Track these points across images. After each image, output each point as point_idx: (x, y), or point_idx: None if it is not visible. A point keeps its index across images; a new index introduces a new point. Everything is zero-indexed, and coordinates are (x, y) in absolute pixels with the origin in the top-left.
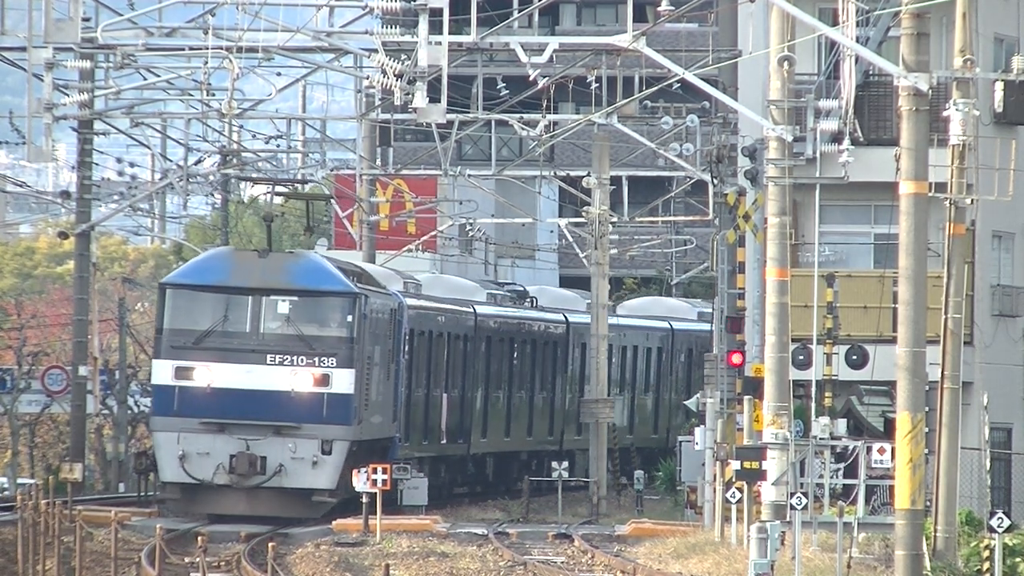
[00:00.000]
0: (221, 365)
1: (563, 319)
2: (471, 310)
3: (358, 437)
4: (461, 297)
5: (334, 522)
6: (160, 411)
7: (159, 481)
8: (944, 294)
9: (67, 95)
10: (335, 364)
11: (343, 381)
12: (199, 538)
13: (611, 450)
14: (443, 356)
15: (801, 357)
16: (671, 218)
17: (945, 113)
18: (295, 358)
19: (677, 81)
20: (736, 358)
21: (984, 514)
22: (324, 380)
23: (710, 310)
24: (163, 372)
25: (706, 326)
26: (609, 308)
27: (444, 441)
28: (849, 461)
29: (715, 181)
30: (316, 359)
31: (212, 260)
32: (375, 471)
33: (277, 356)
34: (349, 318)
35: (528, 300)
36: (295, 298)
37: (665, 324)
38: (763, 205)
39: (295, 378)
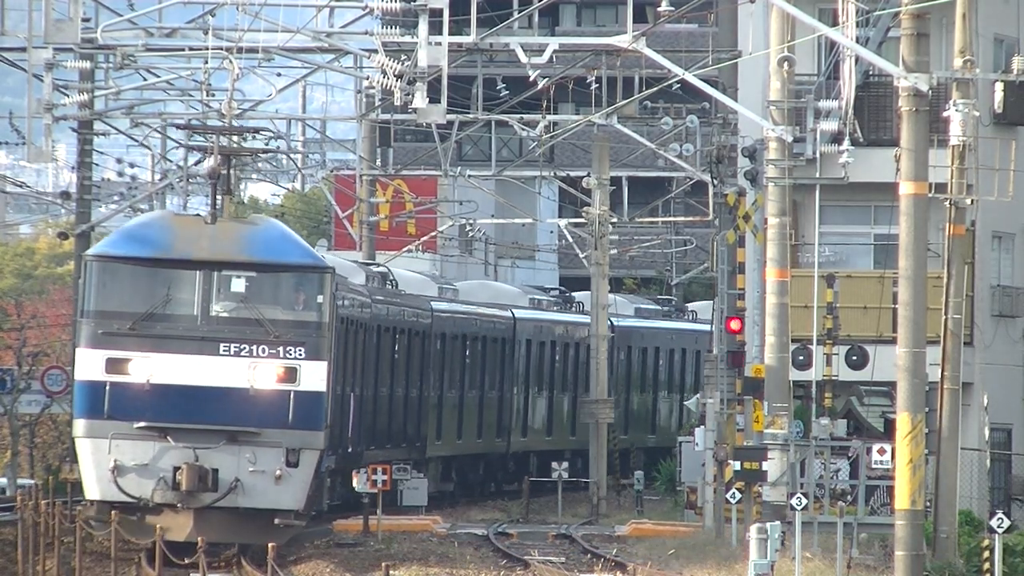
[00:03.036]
0: (163, 356)
1: (428, 308)
2: (367, 297)
3: (328, 446)
4: (354, 282)
5: (334, 522)
6: (86, 413)
7: (84, 499)
8: (944, 295)
9: (67, 95)
10: (303, 355)
11: (313, 376)
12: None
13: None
14: (351, 349)
15: (801, 357)
16: (671, 218)
17: (945, 114)
18: (254, 348)
19: (677, 82)
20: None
21: (985, 514)
22: (290, 375)
23: (546, 297)
24: (90, 365)
25: (542, 315)
26: (454, 291)
27: (350, 449)
28: (850, 460)
29: (715, 181)
30: (280, 349)
31: (149, 227)
32: (375, 471)
33: (232, 345)
34: (320, 298)
35: (390, 283)
36: (253, 273)
37: (508, 313)
38: (763, 206)
39: (254, 372)
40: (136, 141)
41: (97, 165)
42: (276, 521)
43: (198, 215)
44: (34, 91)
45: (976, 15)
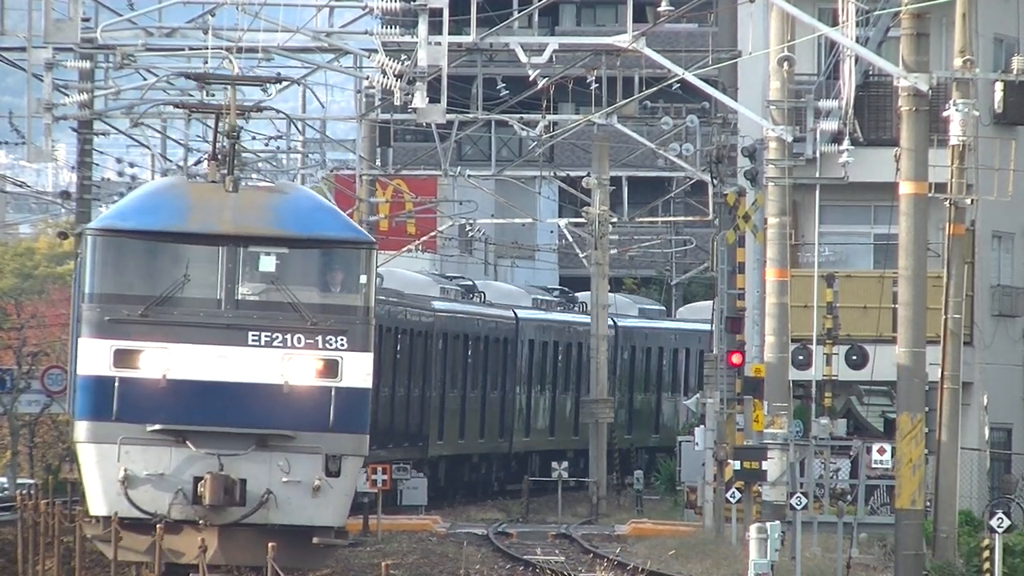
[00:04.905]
0: (181, 347)
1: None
2: None
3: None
4: None
5: None
6: (91, 414)
7: (86, 515)
8: (944, 294)
9: (67, 95)
10: (345, 346)
11: (357, 370)
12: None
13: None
14: None
15: (801, 357)
16: (671, 218)
17: (945, 113)
18: (288, 337)
19: (677, 81)
20: (736, 358)
21: (984, 514)
22: (331, 369)
23: (454, 287)
24: (95, 357)
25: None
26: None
27: None
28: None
29: (715, 181)
30: (319, 338)
31: (160, 195)
32: (375, 471)
33: (262, 334)
34: (363, 278)
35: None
36: (285, 249)
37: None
38: (763, 205)
39: (288, 366)
40: (136, 141)
41: (97, 165)
42: (314, 540)
43: (215, 181)
44: (34, 91)
45: (976, 15)
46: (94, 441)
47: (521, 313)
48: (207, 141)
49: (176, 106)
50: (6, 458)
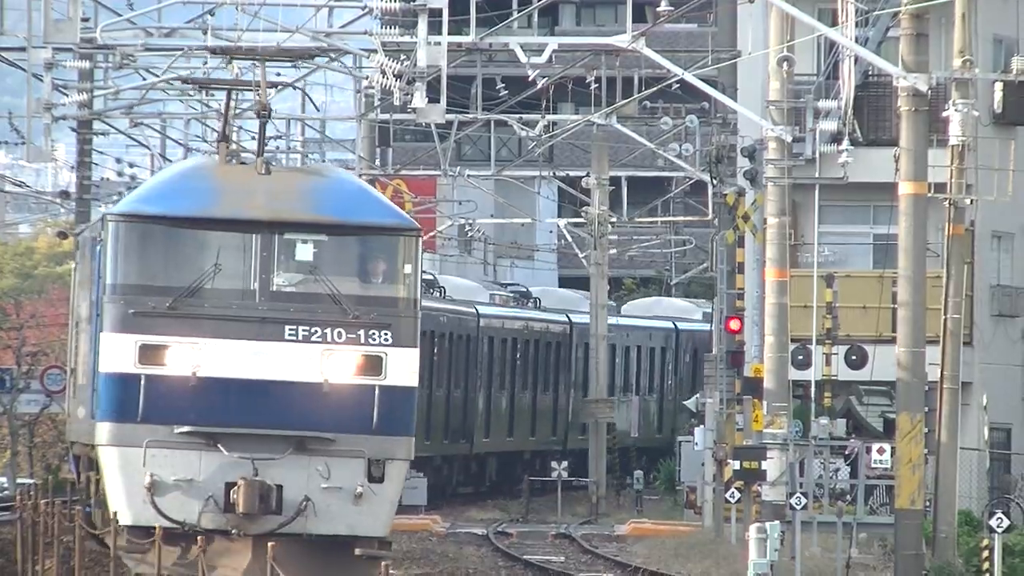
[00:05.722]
0: (211, 342)
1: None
2: None
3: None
4: None
5: None
6: (114, 414)
7: (111, 523)
8: (943, 294)
9: (66, 95)
10: (390, 341)
11: (402, 367)
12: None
13: None
14: None
15: (800, 357)
16: (670, 218)
17: (944, 113)
18: (328, 331)
19: (676, 81)
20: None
21: (984, 514)
22: (374, 366)
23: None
24: (118, 353)
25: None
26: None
27: None
28: (849, 460)
29: (714, 181)
30: (361, 333)
31: (188, 178)
32: None
33: (300, 328)
34: (408, 268)
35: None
36: (324, 236)
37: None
38: (762, 205)
39: (329, 362)
40: (135, 141)
41: (96, 165)
42: (356, 551)
43: (244, 162)
44: (33, 91)
45: (975, 15)
46: (118, 444)
47: (482, 309)
48: (207, 141)
49: (185, 80)
50: (6, 458)
